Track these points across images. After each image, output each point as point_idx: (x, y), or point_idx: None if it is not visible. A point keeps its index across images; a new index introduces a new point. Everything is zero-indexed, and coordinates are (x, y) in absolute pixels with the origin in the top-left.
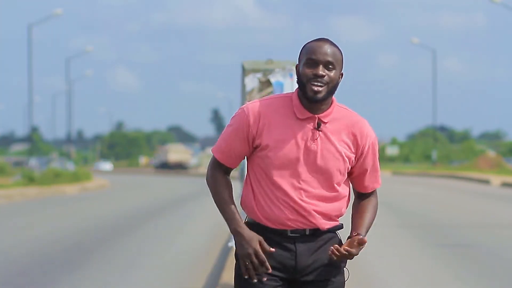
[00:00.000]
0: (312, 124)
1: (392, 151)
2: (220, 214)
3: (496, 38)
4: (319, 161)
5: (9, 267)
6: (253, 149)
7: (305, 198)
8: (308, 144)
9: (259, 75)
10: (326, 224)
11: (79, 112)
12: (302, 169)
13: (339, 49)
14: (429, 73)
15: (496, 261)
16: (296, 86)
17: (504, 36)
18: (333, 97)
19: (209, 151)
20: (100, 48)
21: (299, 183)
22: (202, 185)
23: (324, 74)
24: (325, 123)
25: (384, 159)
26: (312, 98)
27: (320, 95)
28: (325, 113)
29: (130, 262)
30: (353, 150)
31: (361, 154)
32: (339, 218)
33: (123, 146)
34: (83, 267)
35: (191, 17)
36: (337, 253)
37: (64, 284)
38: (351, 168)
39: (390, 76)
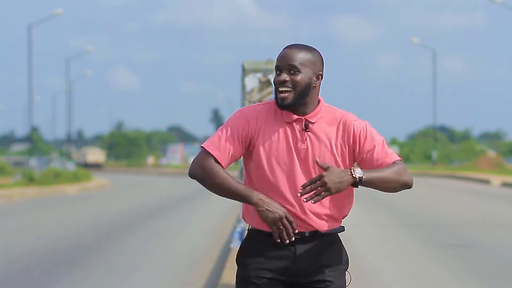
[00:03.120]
0: (300, 125)
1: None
2: (229, 199)
3: (496, 38)
4: (311, 161)
5: (9, 267)
6: (245, 152)
7: (301, 201)
8: (298, 145)
9: (259, 75)
10: (325, 226)
11: (79, 112)
12: (296, 171)
13: (310, 50)
14: (429, 73)
15: (496, 261)
16: None
17: (504, 36)
18: (319, 97)
19: None
20: (100, 48)
21: (294, 186)
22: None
23: (287, 79)
24: (312, 123)
25: None
26: (280, 106)
27: (286, 101)
28: (311, 113)
29: (130, 262)
30: (345, 144)
31: (357, 144)
32: (342, 219)
33: (123, 146)
34: (83, 267)
35: (191, 17)
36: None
37: (64, 284)
38: (357, 160)
39: (390, 76)
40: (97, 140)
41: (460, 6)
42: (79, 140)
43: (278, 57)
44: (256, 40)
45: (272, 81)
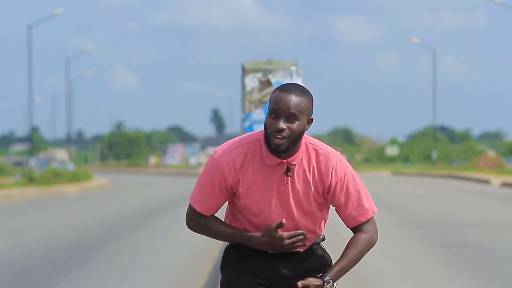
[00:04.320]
0: (281, 168)
1: (392, 151)
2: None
3: (496, 38)
4: (292, 204)
5: (9, 267)
6: (233, 194)
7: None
8: (280, 188)
9: (259, 75)
10: (304, 248)
11: (79, 112)
12: (276, 214)
13: (307, 96)
14: (429, 73)
15: (496, 261)
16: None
17: (504, 36)
18: (304, 135)
19: (209, 151)
20: (100, 48)
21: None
22: None
23: (284, 127)
24: (294, 165)
25: (384, 159)
26: (274, 151)
27: (281, 148)
28: (293, 156)
29: (130, 262)
30: (319, 185)
31: (329, 191)
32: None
33: (123, 146)
34: (83, 267)
35: (191, 17)
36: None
37: (64, 284)
38: (331, 203)
39: (390, 76)
40: (97, 140)
41: (460, 6)
42: (79, 140)
43: (274, 99)
44: (256, 40)
45: (272, 81)
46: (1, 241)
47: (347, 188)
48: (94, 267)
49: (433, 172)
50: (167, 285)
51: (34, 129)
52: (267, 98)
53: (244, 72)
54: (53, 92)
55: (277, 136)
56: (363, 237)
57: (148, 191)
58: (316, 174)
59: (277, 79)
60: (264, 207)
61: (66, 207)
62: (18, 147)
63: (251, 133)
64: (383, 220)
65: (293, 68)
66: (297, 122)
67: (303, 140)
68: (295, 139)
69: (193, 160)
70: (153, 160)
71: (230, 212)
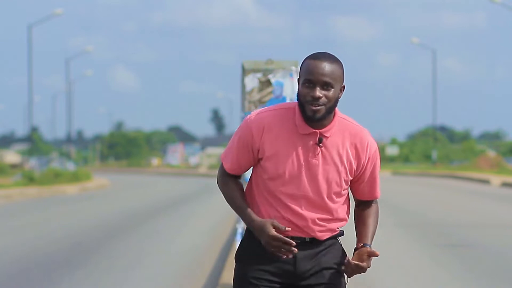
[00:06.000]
0: (313, 139)
1: (392, 151)
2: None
3: (496, 38)
4: (320, 175)
5: (9, 267)
6: (258, 160)
7: (303, 211)
8: (310, 159)
9: (259, 75)
10: (325, 236)
11: (79, 112)
12: (303, 183)
13: (338, 63)
14: (429, 73)
15: (496, 261)
16: (296, 85)
17: (504, 36)
18: (336, 109)
19: (209, 151)
20: (100, 48)
21: (299, 196)
22: (202, 184)
23: (321, 95)
24: (326, 137)
25: (384, 159)
26: (311, 119)
27: (318, 115)
28: (327, 127)
29: (130, 262)
30: (354, 161)
31: (362, 164)
32: (342, 227)
33: (123, 146)
34: (83, 267)
35: (191, 16)
36: (349, 269)
37: (64, 284)
38: (355, 178)
39: (390, 76)
40: (97, 140)
41: (460, 6)
42: (79, 140)
43: (308, 68)
44: (256, 40)
45: (272, 81)
46: (1, 241)
47: (375, 165)
48: (94, 267)
49: (433, 172)
50: (167, 285)
51: (34, 129)
52: (267, 98)
53: (244, 72)
54: (53, 92)
55: (314, 103)
56: (375, 207)
57: (148, 191)
58: (353, 150)
59: (277, 79)
60: (292, 175)
61: (66, 207)
62: (18, 147)
63: (284, 102)
64: (383, 220)
65: (293, 68)
66: (332, 90)
67: (337, 112)
68: (331, 107)
69: (193, 160)
70: (155, 161)
71: (253, 185)
